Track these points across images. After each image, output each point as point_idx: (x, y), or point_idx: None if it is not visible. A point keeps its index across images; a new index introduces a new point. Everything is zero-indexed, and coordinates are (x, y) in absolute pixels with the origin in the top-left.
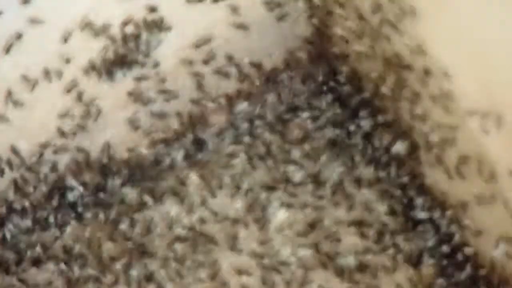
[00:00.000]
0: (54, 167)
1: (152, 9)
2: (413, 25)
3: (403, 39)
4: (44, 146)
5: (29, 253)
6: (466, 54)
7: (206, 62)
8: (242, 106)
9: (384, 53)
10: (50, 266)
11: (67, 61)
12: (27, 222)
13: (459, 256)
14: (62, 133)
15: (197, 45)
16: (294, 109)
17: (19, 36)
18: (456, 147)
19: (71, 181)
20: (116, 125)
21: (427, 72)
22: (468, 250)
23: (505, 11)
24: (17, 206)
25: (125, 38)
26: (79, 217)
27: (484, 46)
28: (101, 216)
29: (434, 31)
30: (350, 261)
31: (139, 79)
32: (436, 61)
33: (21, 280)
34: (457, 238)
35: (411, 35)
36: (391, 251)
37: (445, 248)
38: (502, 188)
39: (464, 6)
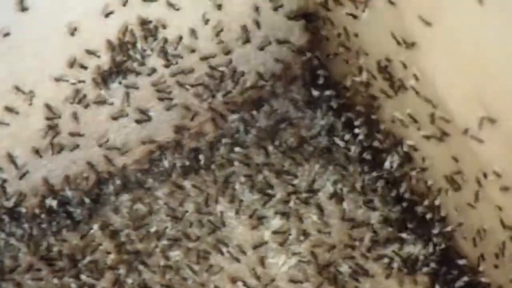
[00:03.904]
0: (49, 174)
1: (146, 20)
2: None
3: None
4: (40, 153)
5: (24, 259)
6: (463, 63)
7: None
8: (237, 115)
9: (379, 62)
10: (45, 272)
11: (63, 68)
12: (23, 229)
13: (454, 265)
14: (57, 140)
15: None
16: (288, 118)
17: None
18: (450, 156)
19: (66, 189)
20: (111, 133)
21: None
22: (461, 259)
23: (500, 20)
24: (12, 212)
25: (120, 47)
26: (74, 225)
27: (480, 55)
28: (96, 223)
29: (431, 41)
30: (344, 269)
31: (133, 87)
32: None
33: (17, 285)
34: (450, 246)
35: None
36: (385, 259)
37: (439, 257)
38: (495, 196)
39: (460, 16)
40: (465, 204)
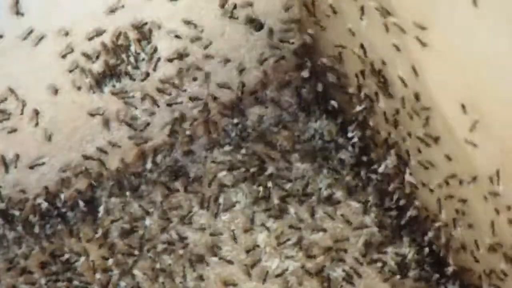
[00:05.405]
0: (42, 177)
1: (141, 24)
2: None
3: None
4: (32, 157)
5: (17, 262)
6: (455, 68)
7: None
8: (230, 119)
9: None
10: (38, 276)
11: (58, 71)
12: (16, 232)
13: (447, 269)
14: (50, 143)
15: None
16: (282, 121)
17: None
18: (443, 160)
19: (60, 192)
20: (104, 137)
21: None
22: (454, 263)
23: (492, 25)
24: (6, 215)
25: (114, 50)
26: (68, 227)
27: (472, 60)
28: (90, 226)
29: (425, 44)
30: (337, 273)
31: (128, 90)
32: (424, 76)
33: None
34: (444, 250)
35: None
36: (379, 263)
37: (432, 261)
38: (488, 200)
39: (452, 22)
40: (460, 207)
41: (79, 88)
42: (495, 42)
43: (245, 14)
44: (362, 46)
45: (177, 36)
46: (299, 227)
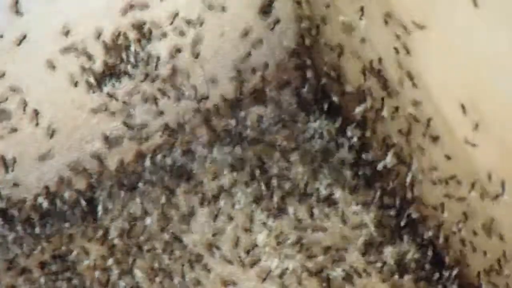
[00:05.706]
0: (42, 177)
1: (140, 24)
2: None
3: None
4: (32, 156)
5: (17, 262)
6: (455, 68)
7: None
8: (230, 118)
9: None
10: (38, 275)
11: (57, 70)
12: (16, 232)
13: (447, 268)
14: (50, 144)
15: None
16: (281, 121)
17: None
18: (443, 160)
19: (59, 192)
20: (104, 137)
21: (413, 85)
22: (454, 263)
23: (492, 25)
24: (5, 214)
25: (114, 49)
26: (68, 227)
27: (472, 60)
28: (89, 226)
29: (422, 46)
30: (337, 272)
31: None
32: (423, 76)
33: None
34: (444, 250)
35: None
36: (378, 263)
37: (433, 260)
38: (488, 201)
39: (452, 22)
40: (460, 207)
41: (76, 86)
42: (495, 42)
43: None
44: (361, 44)
45: (173, 35)
46: (299, 226)
